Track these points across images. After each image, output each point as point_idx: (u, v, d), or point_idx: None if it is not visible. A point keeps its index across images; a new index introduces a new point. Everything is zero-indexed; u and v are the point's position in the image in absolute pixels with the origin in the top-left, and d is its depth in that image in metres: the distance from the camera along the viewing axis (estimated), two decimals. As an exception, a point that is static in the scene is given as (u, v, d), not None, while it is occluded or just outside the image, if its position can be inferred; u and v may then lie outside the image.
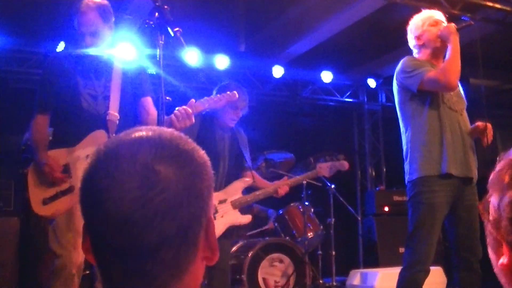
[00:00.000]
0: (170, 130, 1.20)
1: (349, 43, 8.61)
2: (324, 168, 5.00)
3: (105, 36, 3.92)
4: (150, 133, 1.16)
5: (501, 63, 9.18)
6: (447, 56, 4.16)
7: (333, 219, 6.81)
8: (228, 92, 3.85)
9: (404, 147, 4.35)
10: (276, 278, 6.16)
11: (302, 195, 6.58)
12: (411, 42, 4.45)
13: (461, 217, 4.21)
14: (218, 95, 3.80)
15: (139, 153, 1.11)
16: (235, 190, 4.89)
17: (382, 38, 8.15)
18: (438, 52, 4.31)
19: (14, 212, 6.67)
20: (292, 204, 6.82)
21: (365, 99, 10.57)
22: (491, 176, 1.31)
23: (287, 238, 6.57)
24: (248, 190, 5.11)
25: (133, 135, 1.16)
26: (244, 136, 5.23)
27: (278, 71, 9.20)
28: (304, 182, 6.57)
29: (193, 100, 3.68)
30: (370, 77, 9.86)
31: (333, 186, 6.86)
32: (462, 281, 4.22)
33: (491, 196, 1.30)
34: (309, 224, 6.56)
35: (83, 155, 3.80)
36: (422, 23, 4.36)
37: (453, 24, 4.21)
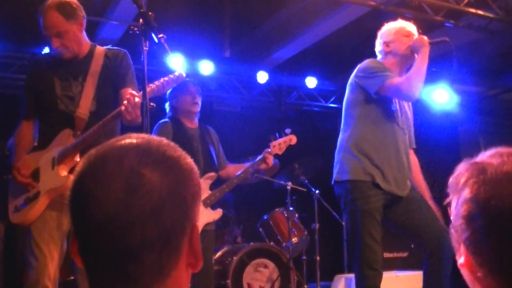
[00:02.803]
0: (159, 138, 1.23)
1: (333, 49, 8.64)
2: (276, 146, 5.10)
3: (74, 34, 3.75)
4: (139, 140, 1.20)
5: (484, 70, 9.25)
6: (414, 66, 4.14)
7: (317, 224, 6.82)
8: (176, 73, 3.67)
9: (338, 146, 4.36)
10: (261, 284, 6.17)
11: (287, 201, 6.60)
12: (378, 47, 4.46)
13: (399, 211, 4.20)
14: (163, 78, 3.59)
15: (125, 157, 1.14)
16: (203, 189, 4.91)
17: (366, 44, 8.17)
18: (403, 63, 4.32)
19: (-2, 218, 6.63)
20: (276, 210, 6.83)
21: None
22: (450, 181, 1.36)
23: (272, 243, 6.58)
24: (220, 183, 5.17)
25: (122, 141, 1.19)
26: (215, 134, 5.39)
27: (262, 77, 9.21)
28: (289, 187, 6.60)
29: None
30: (355, 82, 9.89)
31: (317, 191, 6.88)
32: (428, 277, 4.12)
33: (452, 200, 1.35)
34: (293, 230, 6.57)
35: (50, 157, 3.70)
36: (395, 30, 4.39)
37: (425, 37, 4.23)
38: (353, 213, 4.14)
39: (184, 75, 3.63)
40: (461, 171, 1.34)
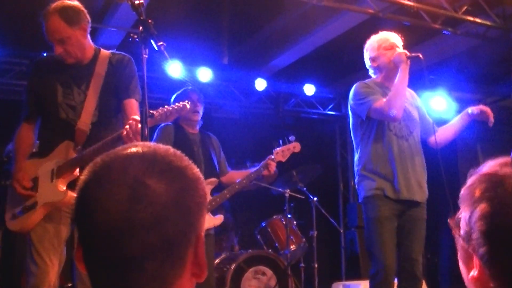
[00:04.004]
0: (165, 147, 1.23)
1: (331, 56, 8.65)
2: (279, 153, 5.11)
3: (77, 40, 3.67)
4: (145, 149, 1.19)
5: (482, 77, 9.27)
6: (393, 86, 4.30)
7: (315, 232, 6.82)
8: (180, 104, 3.59)
9: (355, 169, 4.55)
10: (258, 291, 6.16)
11: (285, 208, 6.59)
12: (367, 62, 4.60)
13: (402, 227, 4.34)
14: (167, 107, 3.53)
15: (130, 166, 1.14)
16: None
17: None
18: (391, 75, 4.41)
19: (-4, 224, 6.61)
20: (274, 217, 6.82)
21: (348, 112, 10.58)
22: (462, 192, 1.33)
23: (270, 250, 6.57)
24: (222, 189, 5.15)
25: (128, 150, 1.19)
26: (216, 141, 5.41)
27: (260, 84, 9.21)
28: (287, 194, 6.59)
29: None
30: (353, 90, 9.89)
31: (315, 198, 6.88)
32: None
33: (462, 211, 1.32)
34: (291, 237, 6.56)
35: (49, 168, 3.65)
36: (377, 45, 4.50)
37: (404, 52, 4.32)
38: (367, 222, 4.36)
39: (188, 106, 3.60)
40: (475, 183, 1.30)
